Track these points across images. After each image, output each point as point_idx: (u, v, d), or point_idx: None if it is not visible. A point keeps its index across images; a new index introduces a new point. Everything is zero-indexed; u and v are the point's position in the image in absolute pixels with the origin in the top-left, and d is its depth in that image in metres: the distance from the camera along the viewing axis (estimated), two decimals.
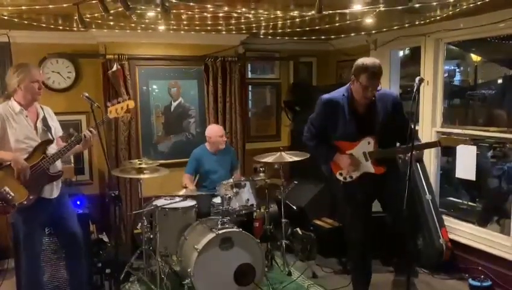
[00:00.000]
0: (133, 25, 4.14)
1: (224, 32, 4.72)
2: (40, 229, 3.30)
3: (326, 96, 3.33)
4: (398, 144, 3.28)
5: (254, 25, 4.24)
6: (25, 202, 3.06)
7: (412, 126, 2.94)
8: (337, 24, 4.04)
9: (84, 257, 3.57)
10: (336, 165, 3.38)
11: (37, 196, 3.13)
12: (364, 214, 3.41)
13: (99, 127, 3.30)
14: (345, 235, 3.61)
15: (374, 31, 4.84)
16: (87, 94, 3.23)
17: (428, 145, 3.40)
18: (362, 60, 3.13)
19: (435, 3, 3.32)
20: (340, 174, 3.36)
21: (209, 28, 4.29)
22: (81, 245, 3.51)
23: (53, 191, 3.27)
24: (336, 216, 4.67)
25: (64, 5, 3.12)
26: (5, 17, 3.61)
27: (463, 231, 4.40)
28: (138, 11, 3.39)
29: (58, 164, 3.28)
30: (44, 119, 3.28)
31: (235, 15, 3.68)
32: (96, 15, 3.52)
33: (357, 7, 3.36)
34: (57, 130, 3.38)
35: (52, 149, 3.23)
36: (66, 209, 3.43)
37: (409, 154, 2.85)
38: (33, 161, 3.12)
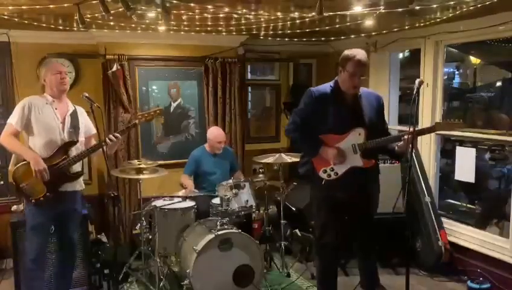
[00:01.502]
0: (133, 25, 4.14)
1: (224, 33, 4.72)
2: (50, 226, 3.31)
3: (314, 88, 3.27)
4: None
5: (254, 26, 4.25)
6: (42, 199, 3.13)
7: (412, 128, 2.89)
8: (337, 26, 4.05)
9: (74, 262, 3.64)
10: (319, 162, 3.21)
11: (54, 194, 3.19)
12: (342, 218, 3.28)
13: (124, 133, 3.44)
14: (316, 238, 3.43)
15: (373, 33, 4.85)
16: (87, 94, 3.24)
17: (425, 130, 3.34)
18: (348, 51, 3.14)
19: (435, 6, 3.32)
20: (324, 171, 3.19)
21: (209, 28, 4.29)
22: (75, 248, 3.54)
23: (69, 185, 3.32)
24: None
25: (65, 4, 3.11)
26: (5, 17, 3.61)
27: (462, 233, 4.40)
28: (139, 12, 3.39)
29: (78, 165, 3.33)
30: (74, 117, 3.34)
31: (235, 16, 3.68)
32: (96, 15, 3.52)
33: (357, 9, 3.36)
34: (87, 128, 3.46)
35: (75, 150, 3.29)
36: (73, 212, 3.44)
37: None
38: (55, 160, 3.18)
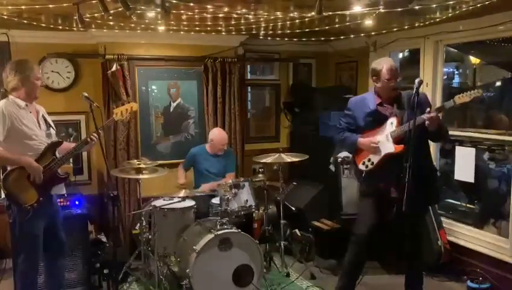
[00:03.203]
0: (132, 25, 4.14)
1: (224, 33, 4.72)
2: (43, 228, 3.27)
3: (353, 98, 3.73)
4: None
5: (254, 26, 4.25)
6: (35, 204, 3.06)
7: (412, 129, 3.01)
8: (336, 25, 4.05)
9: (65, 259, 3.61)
10: (358, 155, 3.52)
11: (46, 197, 3.14)
12: (382, 204, 3.44)
13: (104, 130, 3.38)
14: (354, 226, 3.63)
15: (373, 33, 4.85)
16: (86, 94, 3.24)
17: (445, 106, 3.33)
18: (376, 61, 3.46)
19: (434, 5, 3.32)
20: (363, 163, 3.47)
21: (208, 28, 4.29)
22: (65, 246, 3.51)
23: (57, 189, 3.30)
24: (336, 217, 4.66)
25: (64, 4, 3.11)
26: (5, 17, 3.61)
27: (462, 233, 4.40)
28: (138, 11, 3.39)
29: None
30: (44, 118, 3.30)
31: (235, 16, 3.68)
32: (96, 15, 3.52)
33: (357, 9, 3.36)
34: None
35: (58, 150, 3.25)
36: (57, 208, 3.44)
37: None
38: (44, 162, 3.12)
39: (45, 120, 3.29)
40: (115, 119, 3.56)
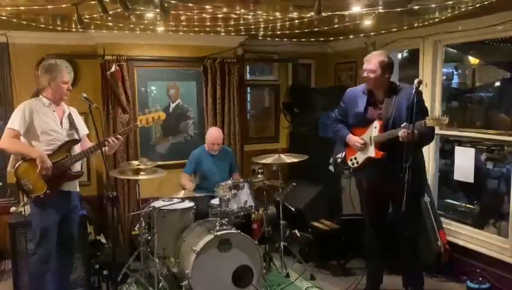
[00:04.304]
0: (131, 26, 4.14)
1: (223, 34, 4.72)
2: (56, 226, 3.31)
3: (349, 88, 3.80)
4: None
5: (253, 27, 4.25)
6: (42, 196, 3.16)
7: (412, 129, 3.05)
8: (335, 26, 4.05)
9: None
10: (349, 152, 3.70)
11: (54, 191, 3.21)
12: (372, 201, 3.66)
13: (124, 134, 3.54)
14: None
15: (372, 33, 4.85)
16: (85, 95, 3.28)
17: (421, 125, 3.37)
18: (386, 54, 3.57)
19: (433, 6, 3.32)
20: (351, 160, 3.66)
21: (208, 29, 4.29)
22: (74, 248, 3.57)
23: (71, 185, 3.38)
24: (336, 218, 4.68)
25: (63, 5, 3.12)
26: (4, 18, 3.61)
27: (461, 233, 4.40)
28: (137, 12, 3.39)
29: (78, 164, 3.39)
30: (70, 116, 3.41)
31: (234, 16, 3.68)
32: (95, 16, 3.52)
33: (356, 9, 3.36)
34: (82, 129, 3.50)
35: (76, 148, 3.36)
36: (74, 209, 3.47)
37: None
38: (57, 157, 3.22)
39: (71, 120, 3.39)
40: (138, 126, 3.64)
